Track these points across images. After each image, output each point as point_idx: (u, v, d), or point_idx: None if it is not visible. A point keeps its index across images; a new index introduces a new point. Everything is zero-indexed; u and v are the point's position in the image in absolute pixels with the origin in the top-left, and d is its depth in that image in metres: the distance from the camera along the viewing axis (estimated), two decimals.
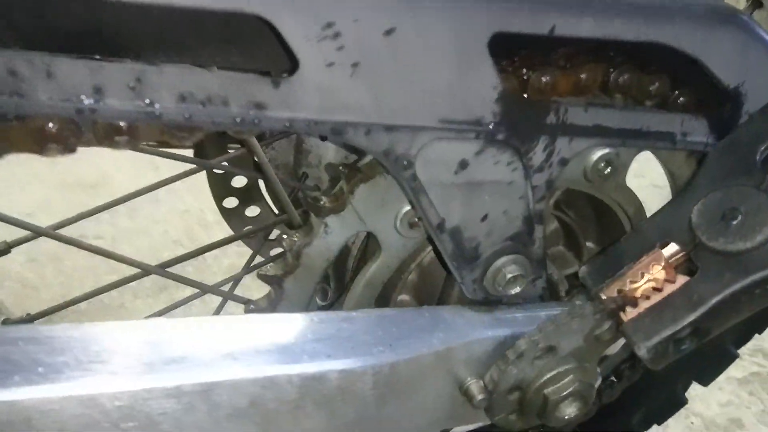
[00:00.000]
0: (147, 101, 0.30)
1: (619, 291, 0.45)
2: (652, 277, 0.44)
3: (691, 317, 0.41)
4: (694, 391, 1.25)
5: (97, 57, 0.28)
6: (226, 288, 0.62)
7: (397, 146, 0.36)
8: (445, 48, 0.34)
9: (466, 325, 0.43)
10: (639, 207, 0.52)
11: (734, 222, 0.41)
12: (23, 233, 0.52)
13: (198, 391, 0.34)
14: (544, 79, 0.38)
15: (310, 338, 0.38)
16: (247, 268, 0.65)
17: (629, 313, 0.43)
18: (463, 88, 0.35)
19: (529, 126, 0.38)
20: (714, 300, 0.40)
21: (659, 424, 0.91)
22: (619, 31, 0.38)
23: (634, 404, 0.90)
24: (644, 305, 0.43)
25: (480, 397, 0.44)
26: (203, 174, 0.73)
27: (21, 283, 1.40)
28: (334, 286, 0.51)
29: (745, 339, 0.86)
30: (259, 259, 0.72)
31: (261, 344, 0.37)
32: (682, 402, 0.90)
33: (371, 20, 0.32)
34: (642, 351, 0.41)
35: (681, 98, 0.43)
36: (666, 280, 0.43)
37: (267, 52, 0.31)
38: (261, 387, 0.35)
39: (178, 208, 1.72)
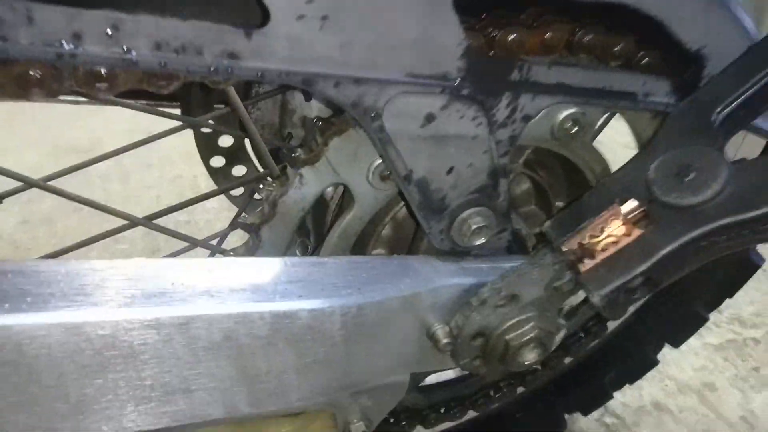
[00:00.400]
0: (124, 48, 0.31)
1: (579, 244, 0.47)
2: (610, 231, 0.46)
3: (643, 267, 0.43)
4: (671, 355, 1.29)
5: (76, 4, 0.29)
6: (213, 243, 0.64)
7: (365, 98, 0.38)
8: (412, 4, 0.36)
9: (432, 272, 0.45)
10: (605, 166, 0.54)
11: (687, 178, 0.43)
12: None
13: (176, 324, 0.37)
14: (510, 38, 0.40)
15: (282, 280, 0.40)
16: (234, 224, 0.68)
17: (587, 265, 0.46)
18: (429, 44, 0.37)
19: (494, 82, 0.40)
20: (664, 251, 0.43)
21: (631, 384, 0.95)
22: None
23: (608, 365, 0.93)
24: (601, 257, 0.46)
25: (445, 341, 0.46)
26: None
27: (13, 245, 1.42)
28: (313, 240, 0.53)
29: (715, 303, 0.90)
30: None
31: (236, 284, 0.40)
32: (653, 363, 0.93)
33: None
34: (596, 299, 0.44)
35: (644, 59, 0.45)
36: (624, 234, 0.46)
37: (240, 3, 0.33)
38: (234, 322, 0.38)
39: (171, 173, 1.74)
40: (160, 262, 0.39)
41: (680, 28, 0.44)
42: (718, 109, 0.44)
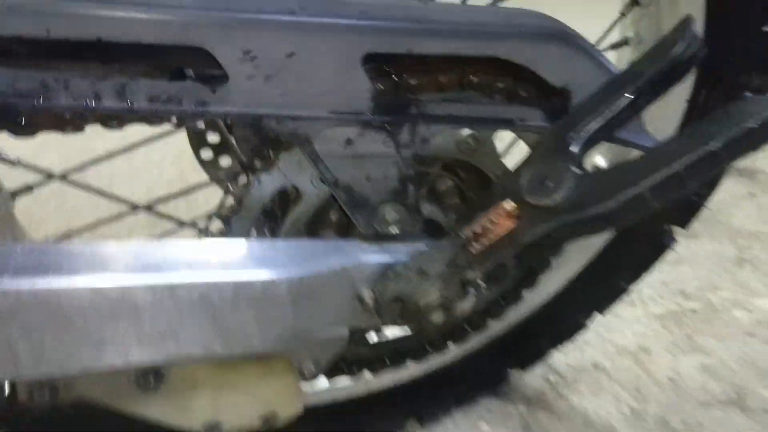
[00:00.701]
0: (129, 102, 0.46)
1: (473, 232, 0.62)
2: (494, 224, 0.61)
3: (513, 251, 0.58)
4: (615, 323, 1.45)
5: (95, 75, 0.44)
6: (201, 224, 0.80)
7: (299, 130, 0.52)
8: (331, 65, 0.50)
9: (358, 252, 0.61)
10: (505, 170, 0.69)
11: (545, 185, 0.58)
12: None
13: (166, 288, 0.52)
14: (410, 81, 0.54)
15: (243, 256, 0.56)
16: (220, 207, 0.83)
17: (477, 248, 0.61)
18: (346, 91, 0.51)
19: (397, 116, 0.54)
20: (525, 239, 0.58)
21: (561, 345, 1.11)
22: (464, 49, 0.54)
23: (544, 328, 1.09)
24: (486, 243, 0.61)
25: (370, 303, 0.62)
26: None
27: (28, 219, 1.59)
28: (273, 229, 0.69)
29: (634, 277, 1.05)
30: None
31: (210, 259, 0.55)
32: (581, 326, 1.09)
33: (277, 48, 0.48)
34: (477, 275, 0.59)
35: (521, 93, 0.59)
36: (503, 226, 0.61)
37: (207, 69, 0.47)
38: (208, 288, 0.54)
39: (172, 153, 1.91)
40: (156, 243, 0.55)
41: (546, 71, 0.58)
42: (575, 132, 0.59)
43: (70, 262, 0.50)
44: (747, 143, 0.49)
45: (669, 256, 1.73)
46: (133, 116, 0.47)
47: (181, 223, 0.70)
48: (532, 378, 1.25)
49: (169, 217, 0.67)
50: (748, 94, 0.74)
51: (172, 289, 0.53)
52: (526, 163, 0.60)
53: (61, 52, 0.42)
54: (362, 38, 0.49)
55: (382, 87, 0.53)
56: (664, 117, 0.87)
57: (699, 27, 0.78)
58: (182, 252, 0.54)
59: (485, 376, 1.14)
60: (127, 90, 0.45)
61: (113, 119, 0.46)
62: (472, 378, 1.12)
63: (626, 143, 0.67)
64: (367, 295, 0.61)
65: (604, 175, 0.56)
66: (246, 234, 0.60)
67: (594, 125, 0.59)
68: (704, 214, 2.00)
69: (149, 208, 0.68)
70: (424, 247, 0.62)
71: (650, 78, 0.58)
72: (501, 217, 0.60)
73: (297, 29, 0.47)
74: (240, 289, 0.55)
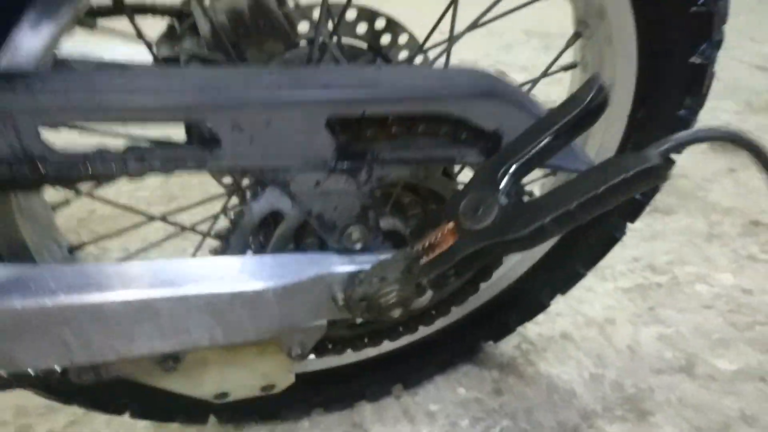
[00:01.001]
0: (148, 164, 0.61)
1: (423, 246, 0.77)
2: (440, 240, 0.76)
3: (450, 264, 0.73)
4: (586, 296, 1.60)
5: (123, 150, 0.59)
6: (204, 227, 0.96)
7: (278, 176, 0.67)
8: (300, 128, 0.64)
9: (331, 263, 0.76)
10: (455, 190, 0.83)
11: (478, 212, 0.72)
12: None
13: (179, 299, 0.69)
14: (366, 134, 0.68)
15: (238, 271, 0.72)
16: (224, 210, 0.98)
17: (425, 260, 0.76)
18: (313, 146, 0.66)
19: (355, 161, 0.68)
20: (463, 255, 0.72)
21: (527, 321, 1.27)
22: (408, 109, 0.68)
23: (512, 307, 1.24)
24: (432, 255, 0.76)
25: (341, 303, 0.78)
26: None
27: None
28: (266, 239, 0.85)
29: (591, 264, 1.20)
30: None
31: (213, 274, 0.71)
32: (544, 306, 1.24)
33: (258, 120, 0.62)
34: (425, 281, 0.74)
35: (461, 136, 0.73)
36: (446, 243, 0.75)
37: (204, 138, 0.62)
38: (212, 297, 0.70)
39: None
40: (172, 262, 0.71)
41: (479, 120, 0.71)
42: (504, 167, 0.73)
43: (107, 281, 0.66)
44: (616, 194, 0.63)
45: (644, 232, 1.88)
46: (150, 173, 0.62)
47: (191, 229, 0.86)
48: (507, 347, 1.41)
49: (178, 225, 0.83)
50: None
51: (183, 299, 0.69)
52: (464, 191, 0.74)
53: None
54: (324, 108, 0.63)
55: (342, 140, 0.67)
56: (609, 130, 1.01)
57: (633, 57, 0.90)
58: (190, 269, 0.70)
59: (462, 346, 1.30)
60: (146, 157, 0.60)
61: (135, 176, 0.61)
62: (450, 348, 1.29)
63: (558, 168, 0.82)
64: (339, 297, 0.77)
65: (521, 207, 0.70)
66: (242, 247, 0.76)
67: (518, 162, 0.72)
68: (683, 189, 2.13)
69: (164, 218, 0.84)
70: (384, 257, 0.78)
71: (566, 123, 0.71)
72: (444, 235, 0.75)
73: (272, 105, 0.61)
74: (236, 297, 0.71)
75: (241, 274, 0.71)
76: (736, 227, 1.79)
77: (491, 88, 0.71)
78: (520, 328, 1.29)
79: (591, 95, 0.69)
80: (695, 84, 0.92)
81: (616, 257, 1.71)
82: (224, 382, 0.86)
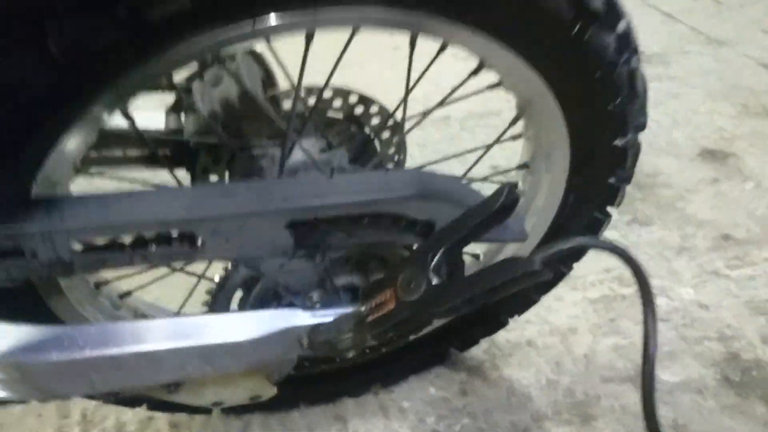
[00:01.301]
0: (147, 260, 0.81)
1: (372, 305, 0.96)
2: (385, 301, 0.95)
3: (392, 323, 0.92)
4: (555, 305, 1.76)
5: (129, 254, 0.79)
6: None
7: (249, 263, 0.86)
8: (265, 230, 0.83)
9: (297, 318, 0.96)
10: (401, 255, 1.01)
11: (411, 286, 0.91)
12: None
13: (178, 349, 0.90)
14: (321, 228, 0.87)
15: (223, 326, 0.92)
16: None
17: (372, 317, 0.95)
18: (276, 242, 0.84)
19: (312, 249, 0.87)
20: (398, 319, 0.91)
21: (489, 336, 1.46)
22: (355, 212, 0.86)
23: (477, 323, 1.43)
24: (378, 315, 0.95)
25: (306, 347, 0.98)
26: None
27: None
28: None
29: (543, 292, 1.37)
30: None
31: (203, 330, 0.92)
32: (504, 323, 1.43)
33: (232, 226, 0.81)
34: (369, 337, 0.94)
35: (401, 225, 0.91)
36: (389, 305, 0.94)
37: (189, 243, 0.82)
38: (202, 348, 0.91)
39: None
40: (171, 320, 0.92)
41: (414, 215, 0.89)
42: (434, 251, 0.91)
43: (120, 337, 0.87)
44: (507, 288, 0.80)
45: (618, 244, 2.01)
46: (151, 264, 0.82)
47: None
48: (478, 351, 1.61)
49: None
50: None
51: (179, 350, 0.90)
52: (403, 267, 0.93)
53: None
54: (284, 216, 0.82)
55: (300, 235, 0.85)
56: (553, 189, 1.16)
57: (566, 139, 1.05)
58: (185, 326, 0.91)
59: (434, 353, 1.50)
60: (148, 256, 0.80)
61: (137, 266, 0.81)
62: (423, 354, 1.49)
63: (492, 240, 0.99)
64: (305, 342, 0.97)
65: (442, 287, 0.88)
66: (226, 303, 0.97)
67: (444, 247, 0.90)
68: (665, 199, 2.25)
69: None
70: (340, 313, 0.97)
71: (483, 219, 0.89)
72: (387, 300, 0.94)
73: (243, 216, 0.80)
74: (221, 347, 0.92)
75: (224, 330, 0.92)
76: (707, 241, 1.91)
77: (425, 189, 0.89)
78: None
79: (501, 201, 0.86)
80: (620, 161, 1.07)
81: (590, 267, 1.85)
82: (219, 396, 1.09)
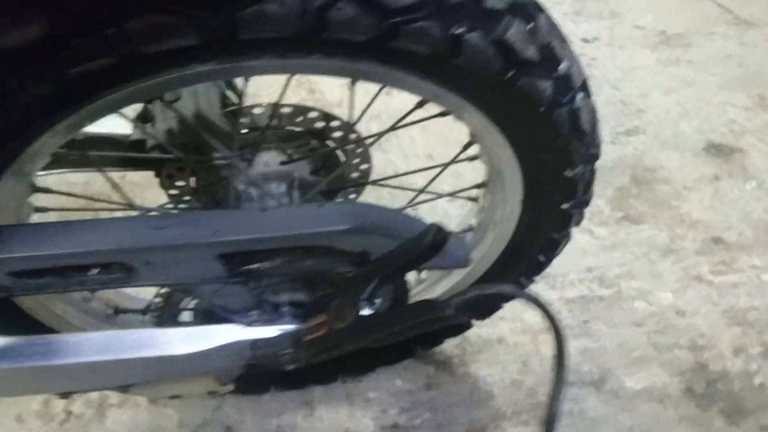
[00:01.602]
0: (89, 284, 0.87)
1: (312, 325, 1.01)
2: (320, 325, 0.99)
3: (324, 347, 0.97)
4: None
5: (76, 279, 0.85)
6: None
7: (184, 288, 0.92)
8: (196, 260, 0.88)
9: (239, 333, 1.02)
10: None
11: (343, 313, 0.95)
12: None
13: (127, 360, 0.97)
14: (254, 258, 0.91)
15: (171, 339, 0.99)
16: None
17: (311, 337, 1.00)
18: (208, 271, 0.89)
19: (244, 277, 0.92)
20: (330, 343, 0.96)
21: (452, 337, 1.50)
22: (287, 245, 0.89)
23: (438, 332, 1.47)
24: (315, 335, 1.00)
25: (249, 358, 1.04)
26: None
27: None
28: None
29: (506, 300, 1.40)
30: None
31: (150, 342, 0.98)
32: (468, 327, 1.47)
33: (163, 256, 0.86)
34: (305, 356, 0.99)
35: (335, 255, 0.95)
36: (325, 327, 0.99)
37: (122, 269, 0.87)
38: (149, 359, 0.97)
39: None
40: (124, 333, 0.98)
41: (346, 246, 0.92)
42: (365, 282, 0.94)
43: (82, 348, 0.94)
44: (425, 326, 0.84)
45: (607, 241, 2.00)
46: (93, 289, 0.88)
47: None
48: (449, 346, 1.65)
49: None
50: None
51: (130, 360, 0.97)
52: (337, 294, 0.97)
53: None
54: (215, 248, 0.86)
55: (235, 263, 0.90)
56: (510, 208, 1.17)
57: (516, 168, 1.06)
58: (136, 339, 0.98)
59: (401, 349, 1.56)
60: (86, 281, 0.86)
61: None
62: (391, 350, 1.55)
63: (434, 267, 1.03)
64: (247, 355, 1.03)
65: (367, 319, 0.92)
66: (174, 317, 1.03)
67: (377, 277, 0.94)
68: (661, 196, 2.22)
69: None
70: (282, 329, 1.03)
71: (412, 256, 0.92)
72: (322, 323, 0.99)
73: (173, 248, 0.85)
74: (168, 358, 0.98)
75: (166, 343, 0.98)
76: (696, 243, 1.88)
77: (360, 223, 0.91)
78: None
79: (428, 239, 0.89)
80: (570, 191, 1.07)
81: (573, 265, 1.84)
82: (176, 391, 1.17)
